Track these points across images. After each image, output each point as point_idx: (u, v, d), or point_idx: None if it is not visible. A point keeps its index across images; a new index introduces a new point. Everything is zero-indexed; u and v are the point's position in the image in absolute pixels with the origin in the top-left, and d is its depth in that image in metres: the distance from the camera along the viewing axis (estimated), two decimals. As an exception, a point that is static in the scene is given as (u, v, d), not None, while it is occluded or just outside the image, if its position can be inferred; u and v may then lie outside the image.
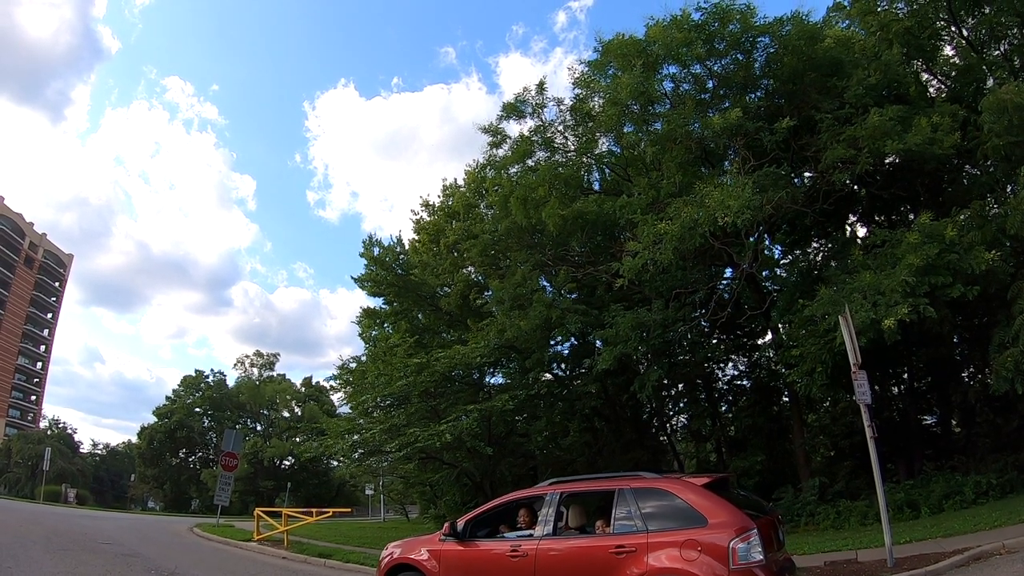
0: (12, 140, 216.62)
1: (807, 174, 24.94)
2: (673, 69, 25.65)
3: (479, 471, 33.55)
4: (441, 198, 43.50)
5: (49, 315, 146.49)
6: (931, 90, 26.76)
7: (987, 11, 24.37)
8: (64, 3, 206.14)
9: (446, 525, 10.86)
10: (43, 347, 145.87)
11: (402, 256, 42.39)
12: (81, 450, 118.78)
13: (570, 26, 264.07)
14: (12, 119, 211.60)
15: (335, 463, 66.07)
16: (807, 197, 23.17)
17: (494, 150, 31.47)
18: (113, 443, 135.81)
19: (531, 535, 9.98)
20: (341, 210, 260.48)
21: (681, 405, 35.35)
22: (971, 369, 27.57)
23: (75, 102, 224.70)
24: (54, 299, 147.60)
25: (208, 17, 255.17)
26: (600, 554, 9.03)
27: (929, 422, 28.74)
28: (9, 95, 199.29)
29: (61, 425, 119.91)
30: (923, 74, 26.79)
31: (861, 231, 28.69)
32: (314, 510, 27.46)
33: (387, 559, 11.56)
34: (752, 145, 23.11)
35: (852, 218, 28.75)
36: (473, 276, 37.86)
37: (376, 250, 41.13)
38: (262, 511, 29.38)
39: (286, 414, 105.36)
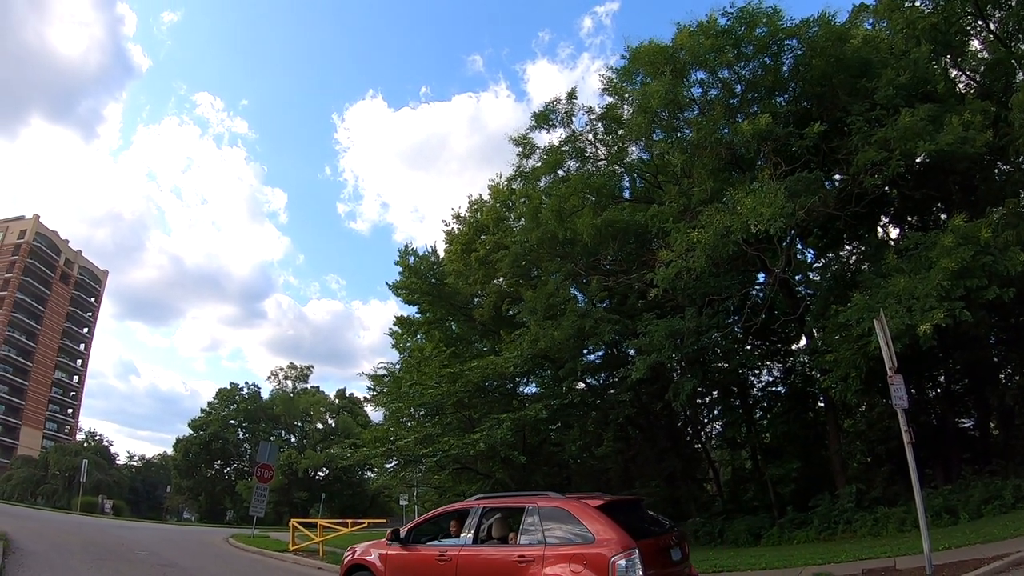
0: (46, 158, 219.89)
1: (838, 177, 24.77)
2: (701, 75, 25.65)
3: (513, 481, 33.51)
4: (468, 213, 43.73)
5: (85, 329, 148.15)
6: (960, 86, 26.38)
7: (1013, 3, 24.15)
8: (94, 22, 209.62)
9: (389, 532, 12.54)
10: (79, 361, 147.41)
11: (436, 266, 42.60)
12: (117, 462, 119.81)
13: (596, 31, 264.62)
14: (45, 137, 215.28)
15: (369, 474, 66.24)
16: (839, 200, 23.00)
17: (524, 161, 31.65)
18: (148, 455, 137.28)
19: (457, 542, 11.40)
20: (372, 221, 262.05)
21: (715, 412, 34.85)
22: (1008, 370, 27.32)
23: (107, 120, 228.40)
24: (89, 314, 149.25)
25: (236, 32, 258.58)
26: (506, 562, 10.28)
27: (967, 425, 28.35)
28: (42, 114, 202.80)
29: (97, 437, 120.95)
30: (951, 70, 26.50)
31: (893, 232, 28.51)
32: (349, 521, 27.57)
33: (347, 559, 13.28)
34: (782, 150, 23.07)
35: (884, 219, 28.50)
36: (505, 287, 37.88)
37: (411, 259, 41.50)
38: (297, 522, 29.40)
39: (320, 426, 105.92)
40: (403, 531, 12.31)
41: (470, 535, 11.18)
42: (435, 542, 12.04)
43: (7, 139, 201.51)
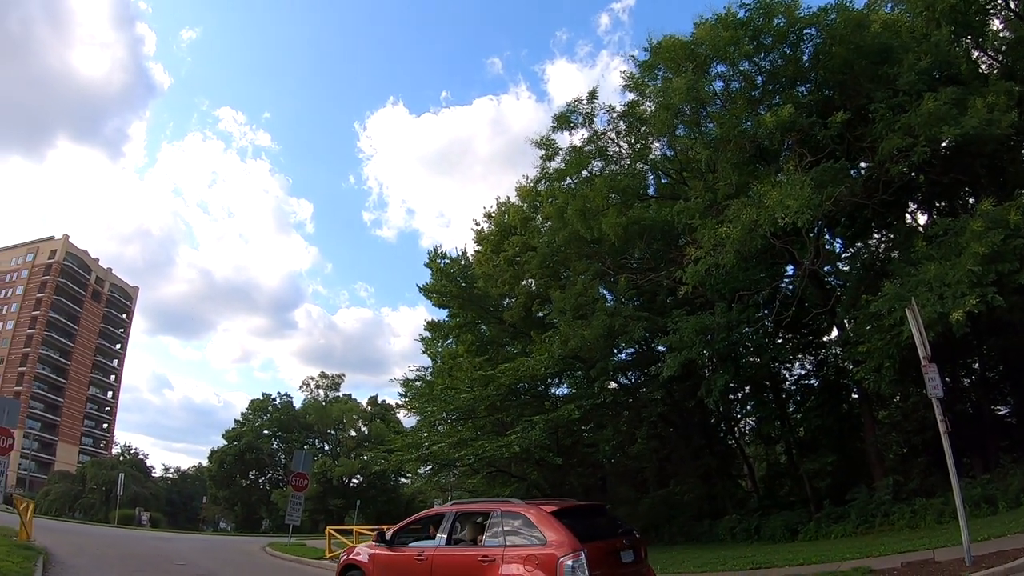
0: (74, 179, 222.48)
1: (863, 165, 24.52)
2: (722, 68, 25.57)
3: (548, 483, 33.52)
4: (495, 214, 43.66)
5: (117, 345, 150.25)
6: (982, 67, 26.07)
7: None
8: (115, 43, 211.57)
9: (376, 533, 14.41)
10: (113, 376, 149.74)
11: (466, 269, 42.62)
12: (153, 474, 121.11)
13: (614, 28, 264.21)
14: (72, 158, 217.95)
15: (403, 480, 66.31)
16: (865, 189, 22.82)
17: (547, 162, 31.75)
18: (184, 467, 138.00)
19: (432, 543, 12.57)
20: (398, 228, 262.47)
21: (748, 408, 34.53)
22: (1045, 354, 26.91)
23: (132, 138, 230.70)
24: (122, 330, 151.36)
25: (254, 46, 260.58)
26: (472, 561, 11.37)
27: (1003, 412, 27.97)
28: (68, 135, 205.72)
29: (133, 451, 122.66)
30: (973, 51, 26.14)
31: (922, 219, 28.17)
32: (385, 527, 27.60)
33: (343, 559, 14.84)
34: (806, 141, 22.89)
35: (912, 206, 28.12)
36: (534, 288, 37.84)
37: (442, 262, 41.53)
38: (333, 529, 29.53)
39: (353, 433, 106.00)
40: (388, 534, 13.72)
41: (444, 537, 12.38)
42: (416, 543, 13.19)
43: (35, 161, 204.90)
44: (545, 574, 10.11)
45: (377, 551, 13.52)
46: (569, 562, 9.96)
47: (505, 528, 11.33)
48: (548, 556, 10.21)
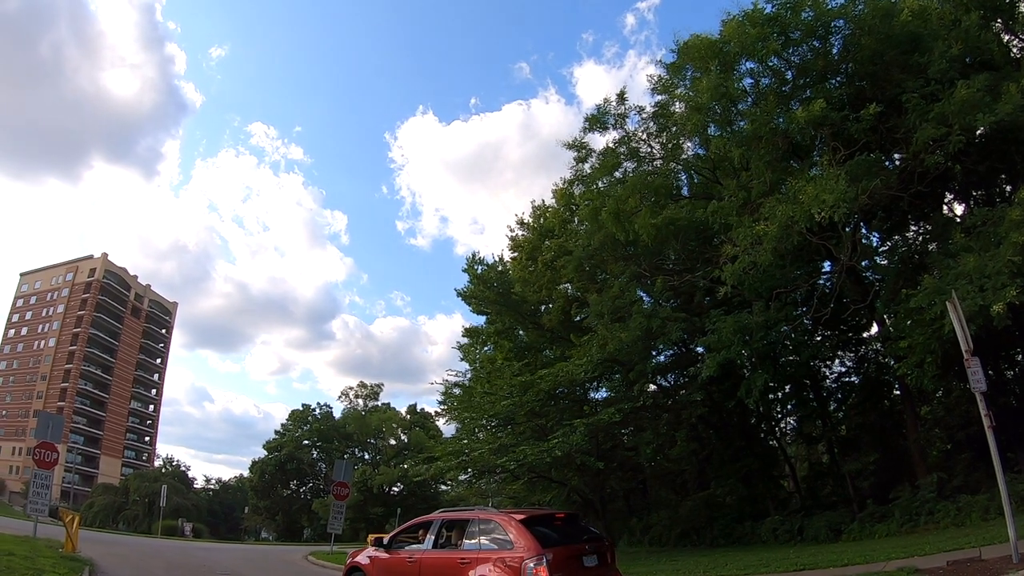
0: (110, 198, 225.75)
1: (898, 157, 24.29)
2: (751, 65, 25.36)
3: (588, 487, 33.39)
4: (532, 219, 43.73)
5: (158, 360, 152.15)
6: (1014, 50, 25.56)
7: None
8: (145, 63, 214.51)
9: (374, 538, 15.86)
10: (154, 390, 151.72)
11: (503, 274, 42.65)
12: (195, 486, 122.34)
13: (640, 27, 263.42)
14: (108, 178, 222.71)
15: (444, 487, 66.44)
16: (900, 181, 22.54)
17: (580, 164, 31.82)
18: (225, 478, 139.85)
19: (421, 547, 13.82)
20: (432, 237, 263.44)
21: (789, 407, 34.24)
22: (1090, 344, 26.40)
23: (166, 156, 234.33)
24: (161, 345, 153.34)
25: (283, 61, 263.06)
26: (452, 563, 12.61)
27: (1049, 405, 27.43)
28: (103, 156, 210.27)
29: (175, 463, 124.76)
30: (1004, 35, 25.65)
31: (959, 209, 27.69)
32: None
33: (348, 563, 16.46)
34: (839, 134, 22.65)
35: (949, 197, 27.64)
36: (571, 292, 37.79)
37: (479, 268, 41.63)
38: (374, 537, 29.44)
39: (392, 441, 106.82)
40: (386, 539, 15.26)
41: (432, 540, 13.66)
42: (409, 547, 14.40)
43: (71, 183, 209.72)
44: (513, 574, 11.31)
45: (377, 555, 15.00)
46: (531, 564, 11.11)
47: (481, 534, 12.57)
48: (515, 559, 11.40)
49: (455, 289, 43.26)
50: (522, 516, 12.34)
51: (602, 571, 12.48)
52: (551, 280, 37.96)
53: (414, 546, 14.24)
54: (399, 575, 13.95)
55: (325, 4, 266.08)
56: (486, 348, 45.31)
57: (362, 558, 15.61)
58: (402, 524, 16.87)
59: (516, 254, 43.13)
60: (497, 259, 44.47)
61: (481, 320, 44.91)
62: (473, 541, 12.62)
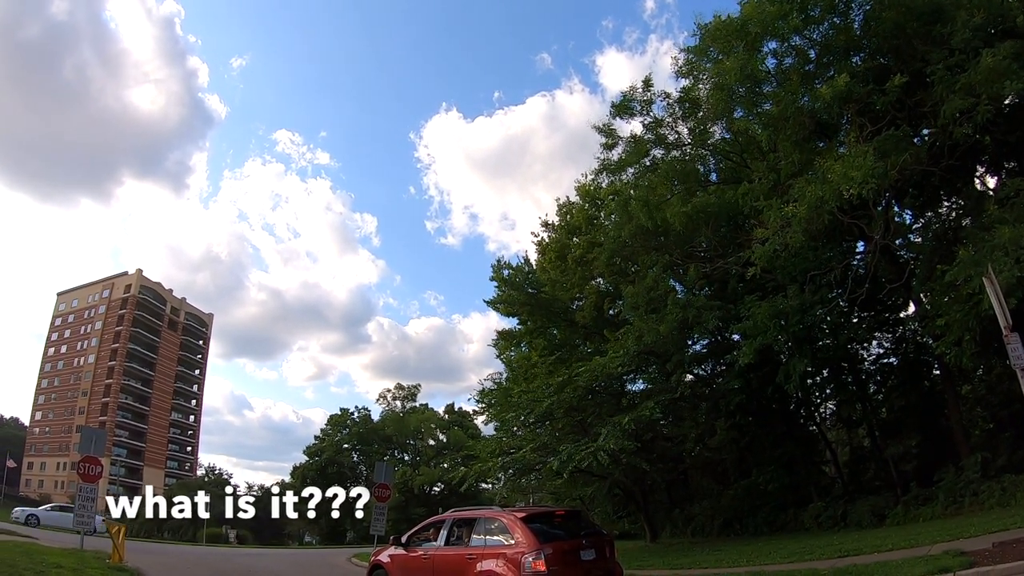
0: (141, 213, 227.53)
1: (926, 131, 23.92)
2: (773, 44, 25.19)
3: (630, 479, 33.29)
4: (558, 217, 43.68)
5: (196, 371, 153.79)
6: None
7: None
8: (169, 78, 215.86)
9: (393, 537, 17.33)
10: (193, 401, 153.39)
11: (531, 275, 42.56)
12: (238, 493, 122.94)
13: (660, 11, 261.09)
14: (138, 194, 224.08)
15: (484, 485, 66.58)
16: (930, 155, 22.25)
17: (608, 152, 31.44)
18: (267, 484, 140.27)
19: (434, 544, 15.05)
20: (462, 235, 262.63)
21: (828, 391, 33.96)
22: None
23: (194, 169, 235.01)
24: (199, 356, 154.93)
25: (304, 67, 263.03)
26: (460, 559, 13.86)
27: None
28: (132, 172, 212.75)
29: (217, 472, 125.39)
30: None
31: (991, 181, 27.18)
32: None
33: (371, 560, 17.75)
34: (866, 111, 22.46)
35: (980, 169, 27.00)
36: (603, 286, 37.70)
37: (505, 272, 41.50)
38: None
39: (432, 442, 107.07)
40: (404, 537, 16.39)
41: (443, 539, 14.86)
42: (424, 544, 15.56)
43: (102, 201, 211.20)
44: (513, 568, 12.50)
45: (396, 552, 16.27)
46: (530, 558, 12.27)
47: (487, 531, 13.77)
48: (515, 554, 12.60)
49: (484, 300, 43.29)
50: (523, 514, 13.56)
51: (600, 563, 13.55)
52: (582, 277, 37.92)
53: (428, 543, 15.42)
54: (415, 570, 15.14)
55: (339, 8, 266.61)
56: (521, 347, 45.23)
57: (383, 556, 16.90)
58: (416, 525, 17.82)
59: (543, 256, 43.14)
60: (523, 259, 44.21)
61: (513, 322, 44.81)
62: (480, 538, 13.83)
